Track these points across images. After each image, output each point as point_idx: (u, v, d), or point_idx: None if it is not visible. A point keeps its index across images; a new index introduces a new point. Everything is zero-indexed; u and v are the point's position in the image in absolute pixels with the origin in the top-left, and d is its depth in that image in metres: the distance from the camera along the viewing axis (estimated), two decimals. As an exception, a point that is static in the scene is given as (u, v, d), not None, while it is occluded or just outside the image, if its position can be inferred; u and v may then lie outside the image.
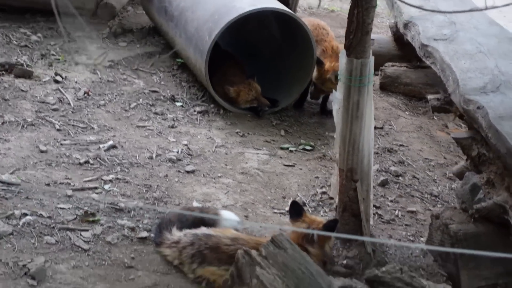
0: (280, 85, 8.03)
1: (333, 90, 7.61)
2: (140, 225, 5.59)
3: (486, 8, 3.55)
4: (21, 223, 5.40)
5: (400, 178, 6.90)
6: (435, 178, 7.04)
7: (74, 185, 5.97)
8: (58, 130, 6.84)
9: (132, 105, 7.49)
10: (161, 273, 5.15)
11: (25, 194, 5.77)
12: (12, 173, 6.00)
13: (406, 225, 6.24)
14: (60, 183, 5.98)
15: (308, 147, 7.19)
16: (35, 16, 9.50)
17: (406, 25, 7.80)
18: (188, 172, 6.42)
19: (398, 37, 8.90)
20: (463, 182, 5.90)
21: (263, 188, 6.41)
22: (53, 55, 8.41)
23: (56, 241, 5.30)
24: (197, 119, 7.41)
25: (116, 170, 6.28)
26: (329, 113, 7.80)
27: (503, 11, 7.46)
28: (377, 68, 8.11)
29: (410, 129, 7.92)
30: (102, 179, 6.12)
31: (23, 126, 6.82)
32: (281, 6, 7.67)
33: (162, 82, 8.07)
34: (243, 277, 4.69)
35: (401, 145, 7.52)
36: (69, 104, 7.35)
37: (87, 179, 6.10)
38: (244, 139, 7.15)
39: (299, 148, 7.17)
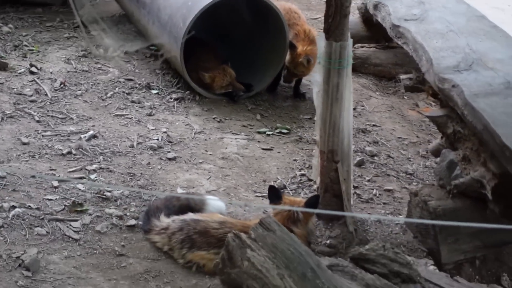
0: (253, 69, 8.13)
1: (307, 74, 7.86)
2: (128, 213, 5.69)
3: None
4: (10, 215, 5.48)
5: (375, 158, 7.06)
6: (409, 156, 7.21)
7: (59, 176, 6.04)
8: (37, 121, 6.90)
9: (108, 94, 7.55)
10: (151, 260, 5.27)
11: (12, 186, 5.85)
12: (-4, 166, 6.07)
13: (384, 203, 6.40)
14: (45, 174, 6.04)
15: (284, 131, 7.32)
16: (4, 7, 9.48)
17: (376, 6, 7.95)
18: (169, 159, 6.53)
19: (367, 18, 9.01)
20: (440, 159, 6.08)
21: (244, 172, 6.54)
22: (26, 46, 8.44)
23: (46, 232, 5.39)
24: (173, 106, 7.50)
25: (99, 160, 6.37)
26: (302, 96, 7.99)
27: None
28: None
29: (382, 109, 8.08)
30: (86, 169, 6.21)
31: (2, 118, 6.87)
32: (254, -9, 7.77)
33: (137, 70, 8.13)
34: (234, 260, 4.81)
35: (374, 125, 7.68)
36: (46, 95, 7.40)
37: (71, 169, 6.18)
38: (221, 125, 7.26)
39: (275, 131, 7.30)
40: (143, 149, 6.62)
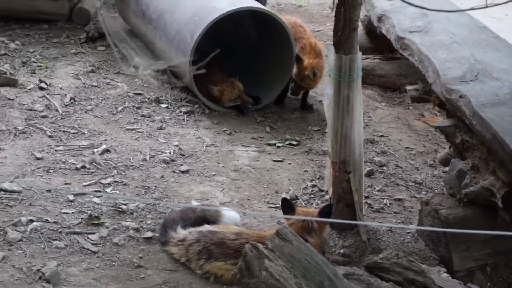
0: (261, 82, 8.23)
1: (314, 87, 7.97)
2: (144, 226, 5.77)
3: (487, 6, 3.79)
4: (28, 229, 5.55)
5: (384, 168, 7.16)
6: (417, 166, 7.30)
7: (74, 190, 6.12)
8: (50, 136, 6.98)
9: (119, 109, 7.64)
10: (169, 271, 5.34)
11: (28, 201, 5.92)
12: (12, 181, 6.13)
13: (395, 212, 6.49)
14: (61, 189, 6.12)
15: (294, 142, 7.42)
16: (10, 24, 9.60)
17: (380, 19, 8.06)
18: (182, 172, 6.61)
19: (370, 30, 9.14)
20: (450, 169, 6.18)
21: (256, 184, 6.62)
22: (34, 62, 8.53)
23: (65, 245, 5.46)
24: (184, 119, 7.59)
25: (113, 173, 6.45)
26: (310, 108, 8.09)
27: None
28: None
29: (388, 119, 8.18)
30: (100, 183, 6.29)
31: (15, 134, 6.95)
32: (259, 5, 7.88)
33: (145, 85, 8.22)
34: (252, 270, 4.89)
35: (381, 135, 7.78)
36: (57, 110, 7.49)
37: (86, 183, 6.26)
38: (232, 137, 7.36)
39: (285, 143, 7.40)
40: (156, 163, 6.71)
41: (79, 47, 9.05)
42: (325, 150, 7.21)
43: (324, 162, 7.00)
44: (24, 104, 7.55)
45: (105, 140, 7.01)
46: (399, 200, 6.66)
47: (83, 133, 7.12)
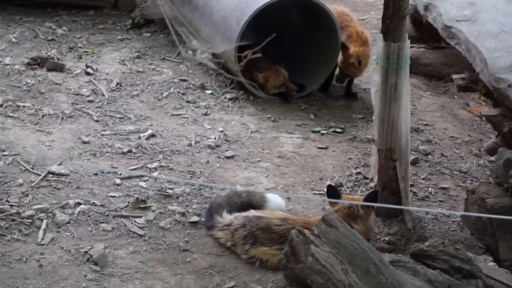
0: (305, 70, 8.23)
1: (358, 75, 7.97)
2: (190, 210, 5.82)
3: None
4: (76, 212, 5.63)
5: (429, 156, 7.12)
6: (462, 155, 7.25)
7: (121, 174, 6.18)
8: (96, 121, 7.05)
9: (164, 94, 7.69)
10: (215, 255, 5.39)
11: (76, 184, 6.00)
12: (59, 164, 6.21)
13: (440, 201, 6.46)
14: (107, 172, 6.19)
15: (338, 130, 7.41)
16: (57, 10, 9.69)
17: (426, 7, 8.00)
18: (227, 157, 6.65)
19: (416, 19, 9.06)
20: (497, 158, 6.12)
21: (301, 170, 6.64)
22: (80, 47, 8.61)
23: (112, 228, 5.53)
24: (228, 106, 7.62)
25: (159, 158, 6.50)
26: (354, 96, 8.08)
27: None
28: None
29: (433, 108, 8.13)
30: (146, 167, 6.34)
31: (62, 118, 7.03)
32: (306, -7, 7.87)
33: (190, 71, 8.27)
34: (298, 256, 4.92)
35: (426, 124, 7.73)
36: (103, 95, 7.56)
37: (133, 167, 6.32)
38: (276, 124, 7.37)
39: (329, 131, 7.39)
40: (201, 148, 6.75)
41: (125, 33, 9.12)
42: (370, 138, 7.19)
43: (368, 150, 7.00)
44: (71, 89, 7.63)
45: (151, 125, 7.07)
46: (444, 188, 6.63)
47: (129, 118, 7.18)
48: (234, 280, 5.15)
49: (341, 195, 5.66)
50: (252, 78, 7.82)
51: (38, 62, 8.03)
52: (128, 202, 5.83)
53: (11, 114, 6.98)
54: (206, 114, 7.37)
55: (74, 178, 6.06)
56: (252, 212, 5.52)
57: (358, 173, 6.67)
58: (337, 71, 8.06)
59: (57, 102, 7.33)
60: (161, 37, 9.06)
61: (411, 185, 6.54)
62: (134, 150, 6.56)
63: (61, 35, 8.90)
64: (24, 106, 7.15)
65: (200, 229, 5.63)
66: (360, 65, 7.80)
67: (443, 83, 8.75)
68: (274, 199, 5.82)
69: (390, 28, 5.58)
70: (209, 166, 6.49)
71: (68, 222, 5.51)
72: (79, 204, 5.72)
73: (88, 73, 7.97)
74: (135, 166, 6.34)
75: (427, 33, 8.93)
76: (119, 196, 5.90)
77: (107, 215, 5.65)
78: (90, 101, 7.42)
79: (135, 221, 5.62)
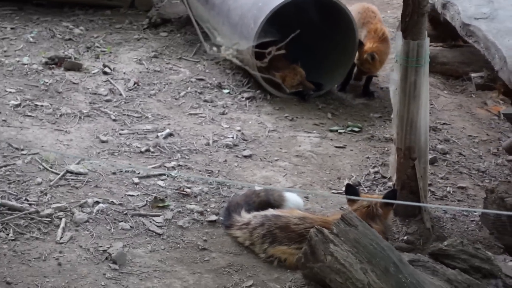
0: (322, 68, 8.21)
1: (374, 71, 7.95)
2: (208, 209, 5.82)
3: None
4: (95, 210, 5.64)
5: (447, 155, 7.09)
6: (481, 154, 7.22)
7: (139, 173, 6.18)
8: (114, 120, 7.07)
9: (181, 94, 7.70)
10: (233, 254, 5.38)
11: (94, 183, 6.01)
12: (78, 164, 6.23)
13: (458, 200, 6.43)
14: (125, 171, 6.20)
15: (356, 129, 7.39)
16: (74, 10, 9.76)
17: (444, 5, 7.99)
18: (245, 156, 6.65)
19: (433, 17, 9.01)
20: (517, 157, 6.11)
21: (318, 169, 6.62)
22: (97, 47, 8.64)
23: (130, 226, 5.53)
24: (245, 105, 7.62)
25: (177, 157, 6.51)
26: (372, 95, 8.06)
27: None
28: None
29: (451, 107, 8.10)
30: (165, 166, 6.35)
31: (80, 117, 7.05)
32: (324, -9, 7.85)
33: (207, 70, 8.27)
34: (317, 254, 4.91)
35: (444, 123, 7.70)
36: (120, 94, 7.57)
37: (151, 166, 6.32)
38: (293, 123, 7.36)
39: (347, 130, 7.37)
40: (219, 147, 6.75)
41: (142, 33, 9.15)
42: (387, 137, 7.18)
43: (386, 149, 6.98)
44: (88, 88, 7.65)
45: (169, 124, 7.08)
46: (463, 188, 6.59)
47: (147, 117, 7.19)
48: (252, 279, 5.14)
49: (360, 195, 5.64)
50: (269, 78, 7.81)
51: (55, 62, 8.06)
52: (147, 201, 5.83)
53: (29, 114, 7.00)
54: (223, 113, 7.38)
55: (92, 177, 6.08)
56: (270, 211, 5.51)
57: (376, 172, 6.65)
58: (355, 68, 8.06)
59: (75, 102, 7.35)
60: (178, 37, 9.08)
61: (430, 184, 6.51)
62: (152, 149, 6.57)
63: (78, 35, 8.94)
64: (42, 106, 7.17)
65: (218, 228, 5.63)
66: (373, 61, 7.80)
67: (461, 81, 8.71)
68: (293, 198, 5.81)
69: (409, 26, 5.56)
70: (227, 165, 6.49)
71: (87, 221, 5.52)
72: (97, 203, 5.73)
73: (105, 73, 7.99)
74: (153, 165, 6.35)
75: (444, 31, 8.91)
76: (138, 195, 5.91)
77: (126, 214, 5.66)
78: (107, 101, 7.43)
79: (153, 220, 5.63)
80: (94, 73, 7.97)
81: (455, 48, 9.05)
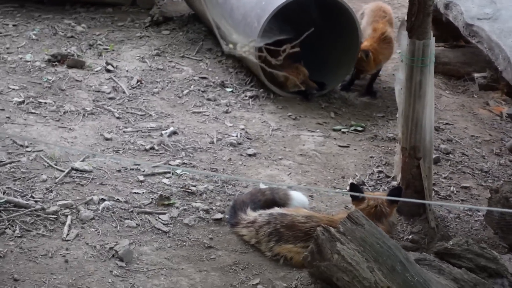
0: (325, 68, 8.22)
1: (369, 70, 7.97)
2: (213, 207, 5.83)
3: None
4: (100, 208, 5.65)
5: (450, 155, 7.11)
6: (483, 154, 7.24)
7: (144, 171, 6.19)
8: (118, 118, 7.07)
9: (184, 92, 7.71)
10: (239, 252, 5.39)
11: (99, 180, 6.02)
12: (83, 161, 6.23)
13: (462, 200, 6.45)
14: (130, 169, 6.20)
15: (359, 128, 7.40)
16: (75, 7, 9.75)
17: (447, 6, 8.01)
18: (250, 155, 6.65)
19: (435, 17, 8.98)
20: (521, 157, 6.13)
21: (323, 168, 6.63)
22: (100, 45, 8.63)
23: (136, 224, 5.54)
24: (249, 104, 7.62)
25: (181, 155, 6.51)
26: (373, 94, 8.07)
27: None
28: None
29: (453, 107, 8.12)
30: (169, 164, 6.35)
31: (83, 115, 7.05)
32: (327, -9, 7.86)
33: (210, 69, 8.28)
34: (324, 253, 4.92)
35: (446, 123, 7.72)
36: (124, 92, 7.57)
37: (155, 164, 6.32)
38: (297, 122, 7.38)
39: (350, 129, 7.39)
40: (223, 145, 6.75)
41: (144, 31, 9.14)
42: (391, 136, 7.19)
43: (389, 148, 7.00)
44: (91, 86, 7.65)
45: (172, 122, 7.08)
46: (466, 187, 6.61)
47: (150, 115, 7.19)
48: (259, 277, 5.16)
49: (364, 193, 5.65)
50: (272, 76, 7.83)
51: (58, 59, 8.05)
52: (152, 198, 5.84)
53: (33, 111, 7.00)
54: (226, 112, 7.38)
55: (97, 175, 6.08)
56: (276, 210, 5.52)
57: (380, 171, 6.66)
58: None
59: (78, 99, 7.35)
60: (180, 35, 9.07)
61: (433, 184, 6.52)
62: (156, 147, 6.57)
63: (80, 32, 8.93)
64: (45, 103, 7.17)
65: (224, 226, 5.64)
66: (367, 58, 7.82)
67: (462, 82, 8.73)
68: (298, 197, 5.82)
69: (415, 26, 5.58)
70: (231, 163, 6.49)
71: (93, 218, 5.53)
72: (103, 200, 5.74)
73: (108, 70, 7.99)
74: (158, 163, 6.34)
75: (446, 31, 8.92)
76: (143, 192, 5.91)
77: (131, 211, 5.67)
78: (111, 98, 7.44)
79: (159, 218, 5.63)
80: (97, 71, 7.97)
81: (456, 48, 9.06)
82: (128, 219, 5.58)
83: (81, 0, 9.85)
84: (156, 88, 7.73)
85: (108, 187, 5.94)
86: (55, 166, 6.11)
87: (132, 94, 7.56)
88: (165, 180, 6.09)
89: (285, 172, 6.46)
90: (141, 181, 6.05)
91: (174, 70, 8.19)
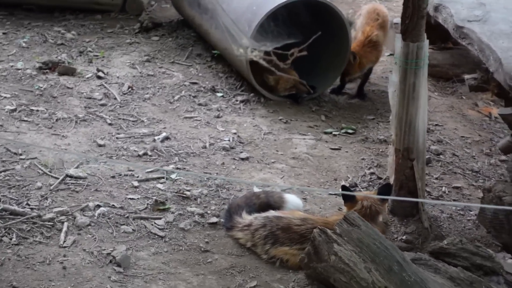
0: (315, 71, 8.26)
1: (353, 72, 8.02)
2: (209, 211, 5.85)
3: None
4: (96, 214, 5.66)
5: (441, 156, 7.16)
6: (474, 154, 7.30)
7: (138, 176, 6.21)
8: (110, 124, 7.08)
9: (175, 97, 7.74)
10: (236, 255, 5.42)
11: (94, 186, 6.03)
12: (77, 167, 6.24)
13: (454, 200, 6.50)
14: (124, 175, 6.22)
15: (350, 131, 7.45)
16: (64, 14, 9.76)
17: (436, 8, 8.03)
18: (242, 159, 6.69)
19: (423, 20, 9.10)
20: (512, 156, 6.18)
21: (315, 171, 6.67)
22: (90, 51, 8.65)
23: (132, 229, 5.56)
24: (240, 108, 7.66)
25: (175, 160, 6.54)
26: (364, 96, 8.12)
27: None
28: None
29: (442, 109, 8.18)
30: (163, 170, 6.37)
31: (76, 122, 7.06)
32: (318, -6, 7.90)
33: (200, 74, 8.31)
34: (321, 254, 4.95)
35: (436, 124, 7.78)
36: (115, 99, 7.59)
37: (149, 170, 6.34)
38: (288, 126, 7.41)
39: (341, 132, 7.43)
40: (216, 150, 6.78)
41: (133, 37, 9.16)
42: (381, 138, 7.25)
43: (380, 150, 7.05)
44: (83, 93, 7.67)
45: (164, 128, 7.11)
46: (458, 188, 6.67)
47: (142, 121, 7.21)
48: (255, 280, 5.19)
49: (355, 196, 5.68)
50: (262, 80, 7.86)
51: (49, 67, 8.07)
52: (147, 204, 5.86)
53: (25, 118, 7.01)
54: (218, 117, 7.41)
55: (92, 181, 6.10)
56: (271, 213, 5.56)
57: (372, 173, 6.71)
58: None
59: (70, 106, 7.37)
60: (170, 41, 9.10)
61: (425, 185, 6.58)
62: (149, 153, 6.60)
63: (70, 39, 8.95)
64: (37, 110, 7.18)
65: (219, 230, 5.67)
66: (354, 61, 7.88)
67: (451, 83, 8.80)
68: (293, 199, 5.86)
69: (409, 28, 5.63)
70: (224, 167, 6.52)
71: (89, 225, 5.54)
72: (98, 206, 5.75)
73: (99, 77, 8.01)
74: (152, 169, 6.36)
75: (434, 33, 8.96)
76: (138, 198, 5.94)
77: (127, 217, 5.69)
78: (102, 105, 7.45)
79: (155, 223, 5.66)
80: (88, 78, 7.99)
81: (445, 51, 9.13)
82: (124, 224, 5.60)
83: (70, 7, 9.86)
84: (147, 94, 7.76)
85: (103, 193, 5.96)
86: (50, 173, 6.13)
87: (124, 100, 7.58)
88: (160, 185, 6.12)
89: (278, 176, 6.50)
90: (136, 187, 6.07)
91: (164, 76, 8.21)
